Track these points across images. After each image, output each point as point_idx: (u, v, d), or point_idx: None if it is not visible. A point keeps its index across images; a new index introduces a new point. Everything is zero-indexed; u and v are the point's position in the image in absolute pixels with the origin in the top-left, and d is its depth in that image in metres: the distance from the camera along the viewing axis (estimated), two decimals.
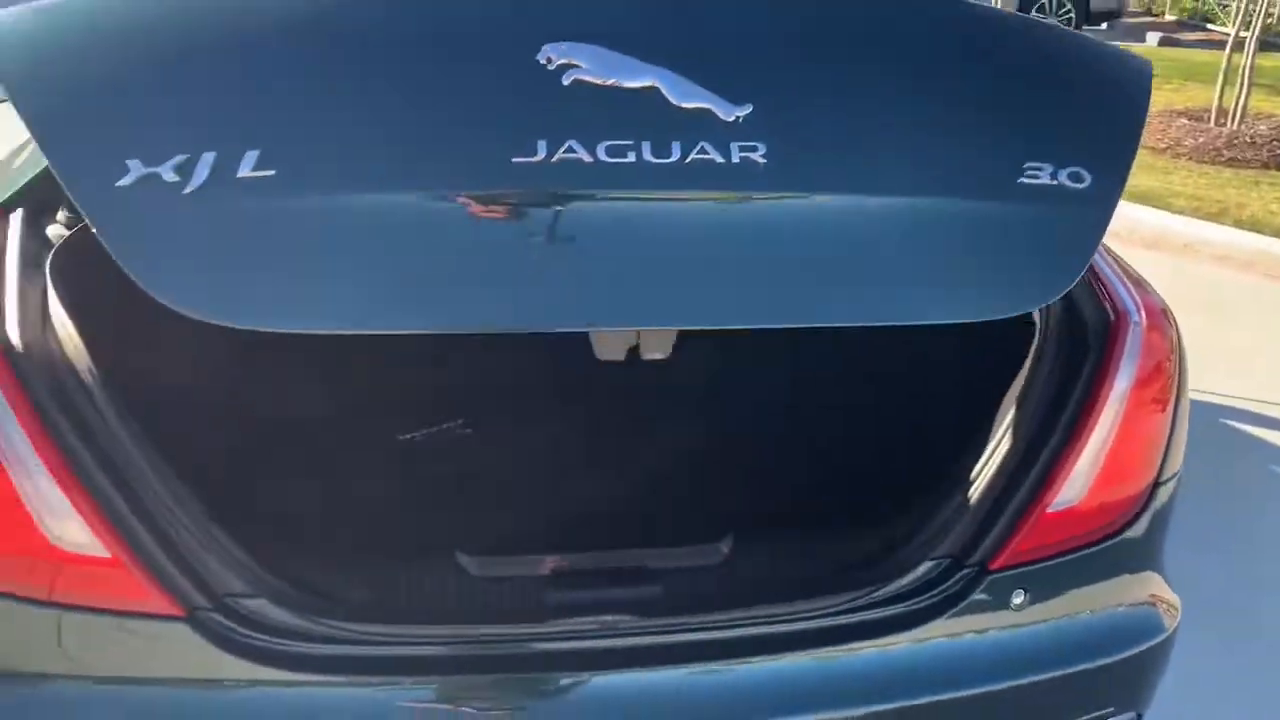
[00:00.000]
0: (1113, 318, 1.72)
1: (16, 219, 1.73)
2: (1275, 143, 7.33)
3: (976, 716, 1.69)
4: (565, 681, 1.55)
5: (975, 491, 1.68)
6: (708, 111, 1.41)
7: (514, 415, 2.30)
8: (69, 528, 1.43)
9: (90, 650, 1.49)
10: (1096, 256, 1.92)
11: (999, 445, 1.70)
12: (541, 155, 1.34)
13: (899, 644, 1.63)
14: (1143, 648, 1.77)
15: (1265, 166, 7.14)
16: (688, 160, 1.36)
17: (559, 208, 1.34)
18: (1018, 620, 1.69)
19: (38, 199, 1.81)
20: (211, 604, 1.48)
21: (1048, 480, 1.65)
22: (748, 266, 1.35)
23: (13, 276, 1.57)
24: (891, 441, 2.03)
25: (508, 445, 2.22)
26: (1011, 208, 1.43)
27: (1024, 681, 1.67)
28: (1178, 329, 1.82)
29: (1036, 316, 1.78)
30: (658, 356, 1.46)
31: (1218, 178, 6.93)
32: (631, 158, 1.35)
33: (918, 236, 1.40)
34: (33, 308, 1.54)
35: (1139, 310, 1.75)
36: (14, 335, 1.47)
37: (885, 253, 1.39)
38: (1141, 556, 1.80)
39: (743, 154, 1.37)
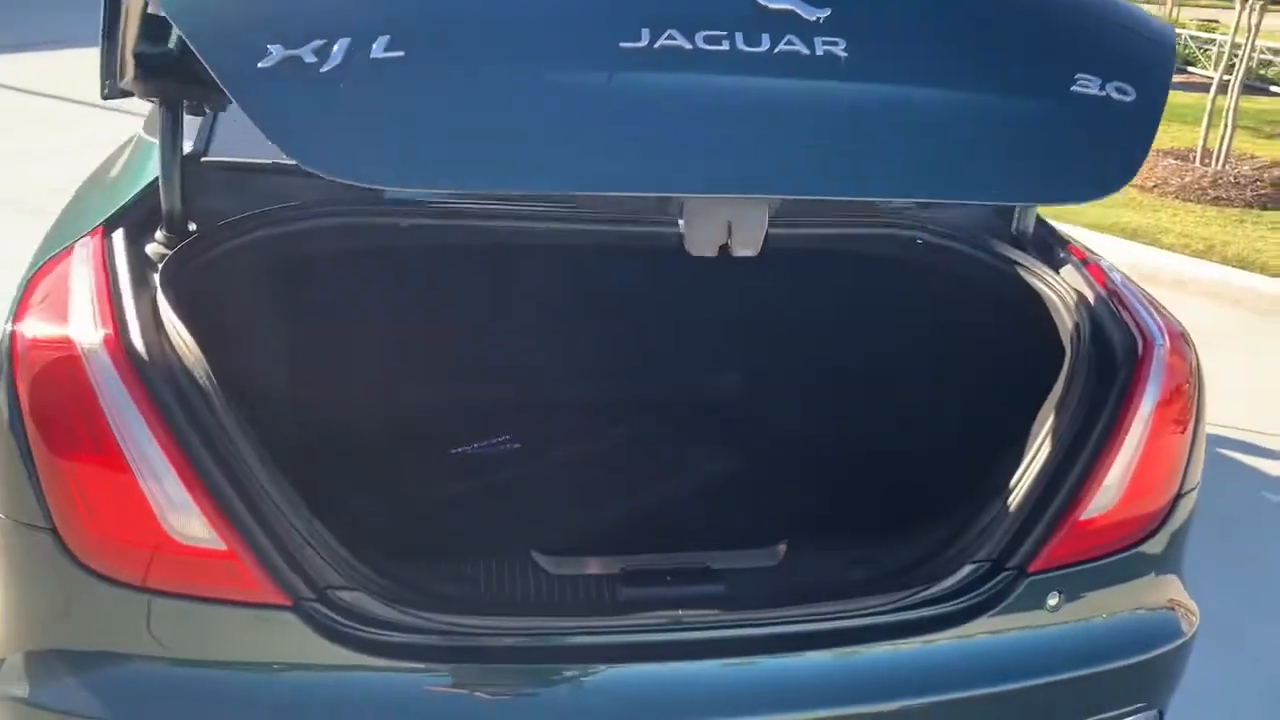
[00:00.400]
0: (1140, 341, 1.86)
1: (119, 238, 1.85)
2: (1258, 183, 7.56)
3: (1014, 711, 1.81)
4: (633, 671, 1.67)
5: (1014, 499, 1.81)
6: (792, 12, 1.54)
7: (584, 428, 2.44)
8: (190, 523, 1.54)
9: (201, 636, 1.59)
10: (1120, 283, 2.07)
11: (1036, 456, 1.83)
12: (645, 41, 1.45)
13: (944, 641, 1.75)
14: (1166, 648, 1.90)
15: (1249, 206, 7.36)
16: (776, 50, 1.49)
17: (662, 85, 1.46)
18: (1053, 620, 1.81)
19: (135, 220, 1.93)
20: (314, 595, 1.59)
21: (1082, 489, 1.79)
22: (832, 143, 1.48)
23: (127, 289, 1.69)
24: (934, 452, 2.16)
25: (578, 454, 2.36)
26: (1069, 109, 1.56)
27: (1058, 678, 1.80)
28: (1196, 352, 1.97)
29: (1068, 342, 1.92)
30: (748, 253, 1.58)
31: (1204, 216, 7.14)
32: (726, 45, 1.48)
33: (988, 127, 1.54)
34: (148, 318, 1.65)
35: (1163, 334, 1.89)
36: (137, 344, 1.59)
37: (956, 138, 1.52)
38: (1164, 564, 1.93)
39: (825, 47, 1.50)
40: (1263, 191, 7.47)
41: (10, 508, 1.61)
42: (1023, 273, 2.08)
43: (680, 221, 1.60)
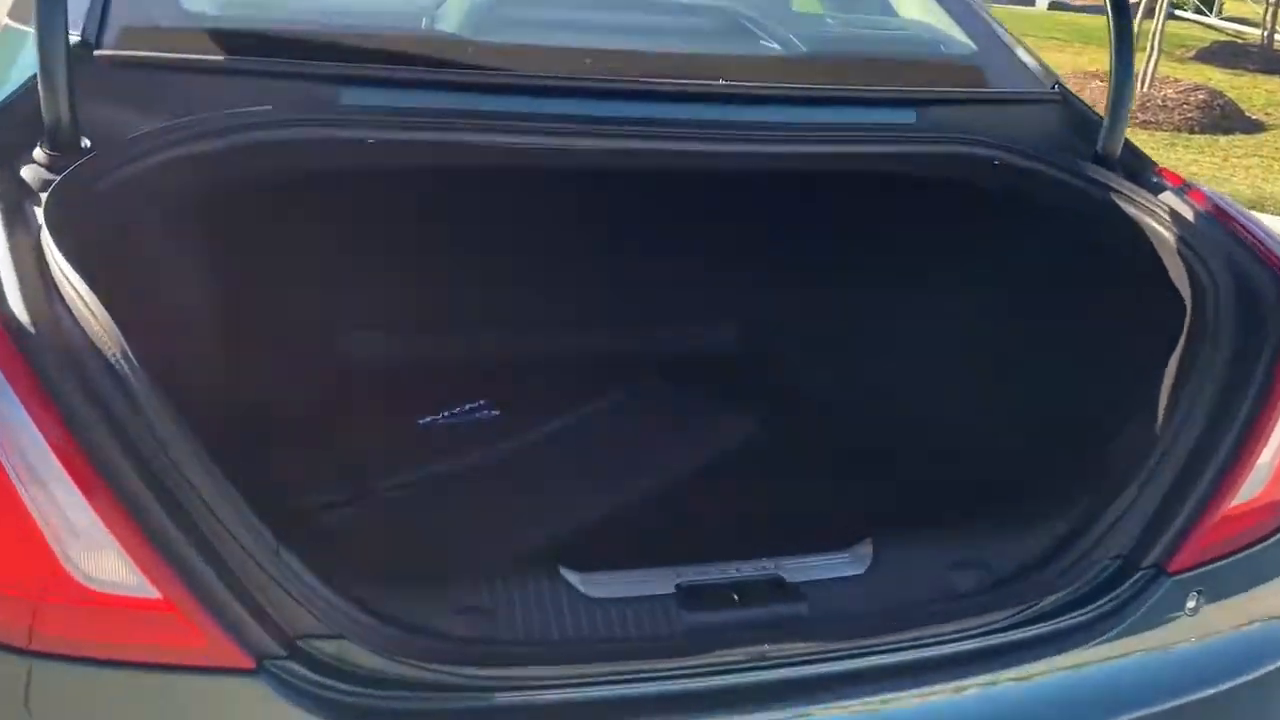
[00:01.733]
0: None
1: None
2: (1184, 106, 7.45)
3: None
4: None
5: (1150, 483, 1.47)
6: None
7: (575, 390, 2.02)
8: (105, 563, 1.10)
9: (125, 717, 1.15)
10: (1238, 214, 1.73)
11: (1173, 429, 1.48)
12: None
13: (1082, 661, 1.41)
14: None
15: (1177, 129, 7.24)
16: None
17: None
18: (1197, 628, 1.49)
19: (2, 132, 1.42)
20: (285, 650, 1.16)
21: (1233, 469, 1.46)
22: None
23: None
24: (1037, 424, 1.79)
25: (573, 424, 1.94)
26: None
27: (1206, 694, 1.48)
28: None
29: (1192, 286, 1.57)
30: None
31: (1136, 140, 6.96)
32: None
33: None
34: (31, 270, 1.18)
35: None
36: (18, 309, 1.12)
37: None
38: None
39: None
40: (1189, 115, 7.37)
41: None
42: (1125, 203, 1.72)
43: None
